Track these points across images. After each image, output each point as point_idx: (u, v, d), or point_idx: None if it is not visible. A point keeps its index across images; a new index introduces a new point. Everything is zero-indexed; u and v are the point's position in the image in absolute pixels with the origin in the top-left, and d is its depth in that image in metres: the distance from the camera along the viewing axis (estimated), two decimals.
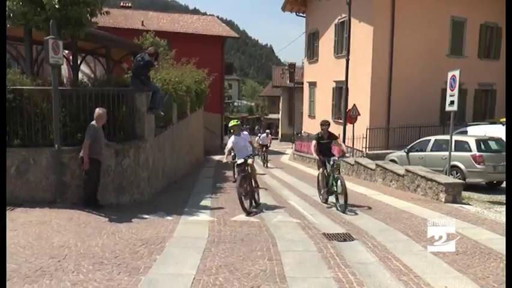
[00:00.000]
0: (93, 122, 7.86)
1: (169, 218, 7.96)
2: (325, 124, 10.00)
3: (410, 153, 15.17)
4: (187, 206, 9.40)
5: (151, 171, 9.87)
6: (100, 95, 8.49)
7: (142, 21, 30.15)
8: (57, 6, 8.41)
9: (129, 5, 36.65)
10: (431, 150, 14.28)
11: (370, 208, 9.55)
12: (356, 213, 8.97)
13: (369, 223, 8.03)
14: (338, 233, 7.11)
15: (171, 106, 12.76)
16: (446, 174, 11.83)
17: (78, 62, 13.92)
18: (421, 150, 14.75)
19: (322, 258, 5.72)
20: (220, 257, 5.61)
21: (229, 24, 78.49)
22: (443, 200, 10.30)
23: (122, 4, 36.16)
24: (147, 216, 7.94)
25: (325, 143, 9.97)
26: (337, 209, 9.31)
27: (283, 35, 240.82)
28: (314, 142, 9.99)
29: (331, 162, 9.56)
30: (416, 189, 11.54)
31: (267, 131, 26.16)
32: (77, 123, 8.17)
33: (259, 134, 25.68)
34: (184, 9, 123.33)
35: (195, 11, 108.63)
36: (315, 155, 10.02)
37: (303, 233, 7.17)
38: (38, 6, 8.59)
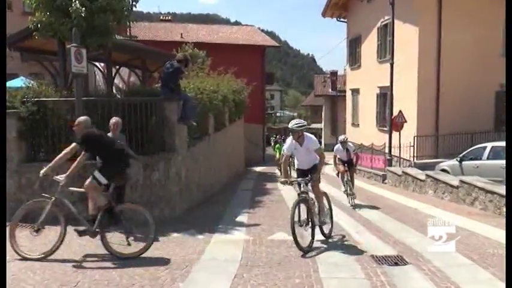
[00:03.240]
0: (110, 133, 7.39)
1: (200, 236, 7.35)
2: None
3: (464, 162, 13.87)
4: (222, 222, 8.74)
5: (183, 185, 9.31)
6: (127, 105, 8.03)
7: (182, 34, 30.15)
8: (83, 14, 8.07)
9: (169, 18, 36.98)
10: (487, 159, 12.97)
11: (422, 225, 8.52)
12: (407, 232, 8.01)
13: (423, 242, 7.07)
14: (388, 256, 6.21)
15: (207, 116, 12.24)
16: None
17: (113, 74, 13.72)
18: (476, 159, 13.45)
19: (371, 287, 4.89)
20: (253, 285, 4.90)
21: (271, 35, 77.94)
22: None
23: (162, 18, 36.55)
24: (176, 234, 7.37)
25: None
26: None
27: (324, 45, 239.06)
28: None
29: None
30: (473, 202, 10.40)
31: (343, 137, 11.94)
32: None
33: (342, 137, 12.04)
34: (226, 22, 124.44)
35: (236, 24, 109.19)
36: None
37: (348, 254, 6.34)
38: (64, 16, 8.29)
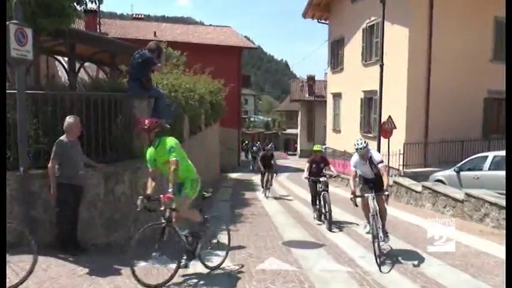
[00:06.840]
0: (63, 137, 5.89)
1: (172, 265, 5.89)
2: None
3: (462, 173, 12.78)
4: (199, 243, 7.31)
5: None
6: (84, 101, 6.52)
7: (155, 32, 28.55)
8: None
9: (142, 17, 35.29)
10: (489, 169, 11.92)
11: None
12: (420, 257, 6.75)
13: (446, 274, 5.83)
14: None
15: (182, 118, 10.80)
16: None
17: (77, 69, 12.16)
18: (475, 169, 12.41)
19: None
20: None
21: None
22: None
23: (134, 16, 34.88)
24: (143, 262, 5.87)
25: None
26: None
27: (299, 51, 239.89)
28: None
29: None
30: (483, 219, 9.27)
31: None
32: (53, 138, 6.14)
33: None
34: (200, 25, 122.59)
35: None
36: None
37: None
38: None
